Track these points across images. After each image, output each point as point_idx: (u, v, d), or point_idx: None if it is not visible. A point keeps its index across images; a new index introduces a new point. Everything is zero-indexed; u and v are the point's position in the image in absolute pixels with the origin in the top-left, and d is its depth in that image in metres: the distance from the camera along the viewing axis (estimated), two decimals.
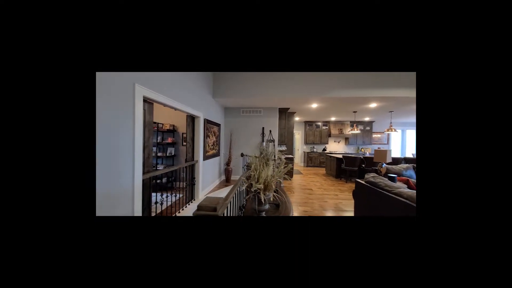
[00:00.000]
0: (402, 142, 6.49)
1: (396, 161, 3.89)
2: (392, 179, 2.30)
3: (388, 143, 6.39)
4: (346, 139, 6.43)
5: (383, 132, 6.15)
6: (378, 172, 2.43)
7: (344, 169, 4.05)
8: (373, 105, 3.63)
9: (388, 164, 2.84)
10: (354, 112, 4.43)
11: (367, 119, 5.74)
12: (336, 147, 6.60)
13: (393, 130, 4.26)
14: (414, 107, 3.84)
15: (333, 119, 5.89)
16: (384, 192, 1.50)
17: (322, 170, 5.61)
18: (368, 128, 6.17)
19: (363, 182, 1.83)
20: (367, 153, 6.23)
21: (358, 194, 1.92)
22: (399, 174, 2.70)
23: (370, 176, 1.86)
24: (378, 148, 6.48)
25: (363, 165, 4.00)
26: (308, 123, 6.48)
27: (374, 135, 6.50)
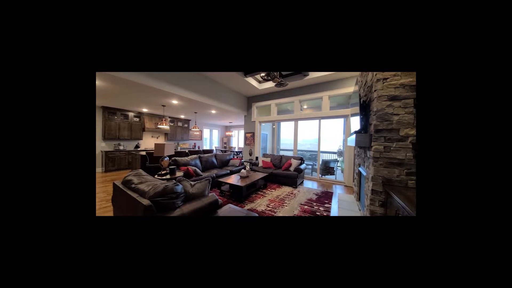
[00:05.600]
0: (210, 138, 8.76)
1: (194, 152, 4.76)
2: (173, 170, 2.44)
3: (202, 139, 7.97)
4: (166, 135, 6.23)
5: (190, 129, 7.28)
6: (160, 165, 2.43)
7: (149, 167, 3.61)
8: (175, 101, 3.83)
9: (178, 156, 3.16)
10: (163, 106, 4.29)
11: (182, 116, 6.25)
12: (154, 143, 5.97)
13: (197, 128, 5.21)
14: (209, 111, 5.13)
15: (145, 110, 5.09)
16: (127, 190, 1.29)
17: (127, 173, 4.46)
18: (185, 125, 6.82)
19: (118, 184, 1.48)
20: (186, 148, 6.86)
21: (116, 199, 1.53)
22: (187, 164, 3.14)
23: (131, 174, 1.59)
24: (194, 143, 7.75)
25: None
26: (108, 111, 4.59)
27: (195, 132, 7.51)
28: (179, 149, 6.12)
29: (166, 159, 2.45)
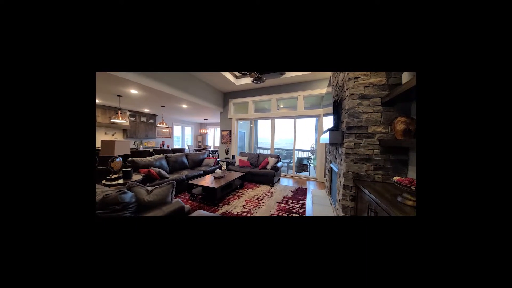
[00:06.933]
0: (182, 136, 7.98)
1: (161, 152, 4.21)
2: (128, 173, 2.01)
3: (172, 137, 7.16)
4: (125, 131, 5.28)
5: (157, 125, 6.17)
6: (110, 168, 1.95)
7: (99, 170, 2.93)
8: (134, 91, 3.23)
9: (134, 156, 2.66)
10: (119, 96, 3.57)
11: (146, 110, 5.43)
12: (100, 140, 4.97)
13: (164, 124, 4.60)
14: (179, 105, 4.60)
15: (96, 101, 4.15)
16: None
17: None
18: (151, 121, 5.96)
19: None
20: (151, 147, 6.02)
21: None
22: (149, 166, 2.68)
23: None
24: (163, 142, 6.87)
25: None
26: None
27: (164, 130, 6.63)
28: (141, 148, 5.30)
29: (118, 160, 1.99)
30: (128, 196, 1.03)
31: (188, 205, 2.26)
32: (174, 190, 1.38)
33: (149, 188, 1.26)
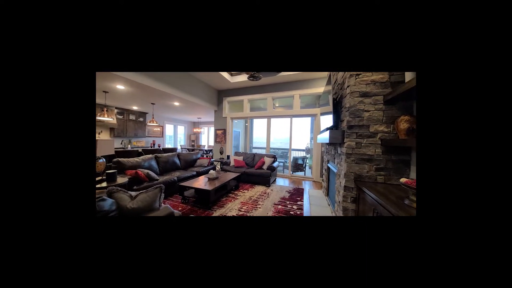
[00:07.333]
0: (174, 135, 7.69)
1: (151, 152, 3.98)
2: (112, 175, 1.84)
3: (163, 136, 6.87)
4: (112, 130, 4.97)
5: (147, 124, 5.44)
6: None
7: None
8: (120, 87, 3.01)
9: (120, 157, 2.47)
10: (105, 92, 3.31)
11: (135, 108, 5.14)
12: None
13: (155, 122, 4.37)
14: (171, 103, 4.38)
15: None
16: None
17: None
18: (141, 119, 5.67)
19: None
20: (140, 147, 5.74)
21: None
22: (136, 167, 2.50)
23: None
24: (153, 141, 6.58)
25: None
26: None
27: (155, 128, 6.34)
28: (129, 148, 5.03)
29: (101, 161, 1.81)
30: (108, 203, 0.89)
31: (179, 209, 2.12)
32: (163, 194, 1.25)
33: (133, 194, 1.12)
